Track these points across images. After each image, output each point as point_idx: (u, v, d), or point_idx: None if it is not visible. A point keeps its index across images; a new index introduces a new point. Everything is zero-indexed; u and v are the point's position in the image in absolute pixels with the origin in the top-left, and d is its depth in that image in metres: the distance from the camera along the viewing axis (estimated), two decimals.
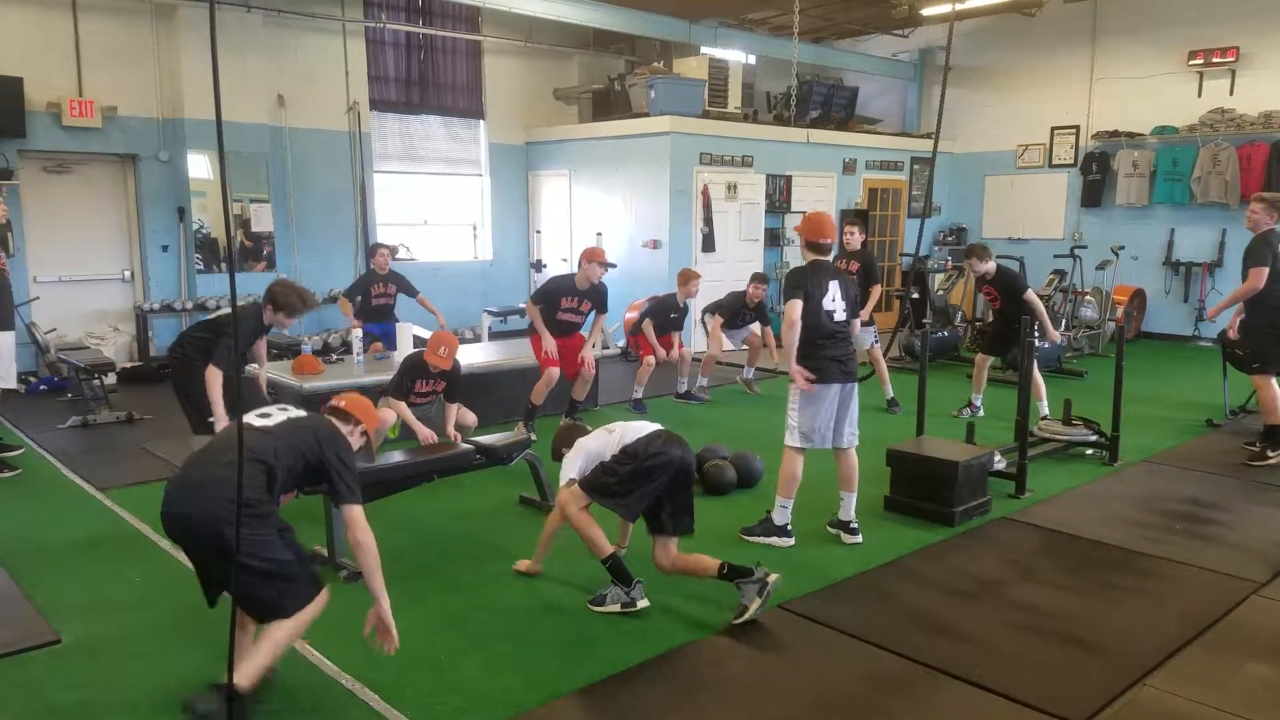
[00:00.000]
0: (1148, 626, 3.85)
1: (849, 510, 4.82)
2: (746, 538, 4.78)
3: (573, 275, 6.97)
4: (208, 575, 3.06)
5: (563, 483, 4.05)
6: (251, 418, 3.12)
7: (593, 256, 6.83)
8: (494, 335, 10.80)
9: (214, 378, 4.88)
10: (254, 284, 9.84)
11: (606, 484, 3.93)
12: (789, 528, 4.75)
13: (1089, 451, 6.50)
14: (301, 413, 3.29)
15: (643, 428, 4.09)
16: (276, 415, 3.19)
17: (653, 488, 3.90)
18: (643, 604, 3.88)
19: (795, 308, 4.56)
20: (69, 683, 3.32)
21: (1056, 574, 4.40)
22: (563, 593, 4.18)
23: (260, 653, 2.96)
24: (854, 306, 4.74)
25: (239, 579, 2.79)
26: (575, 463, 4.04)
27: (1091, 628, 3.83)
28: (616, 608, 3.89)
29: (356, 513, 3.06)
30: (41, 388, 8.54)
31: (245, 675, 2.85)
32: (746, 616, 3.74)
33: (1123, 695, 3.30)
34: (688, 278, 8.28)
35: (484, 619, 3.78)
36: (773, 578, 3.79)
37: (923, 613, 3.97)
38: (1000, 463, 5.60)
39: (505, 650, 3.61)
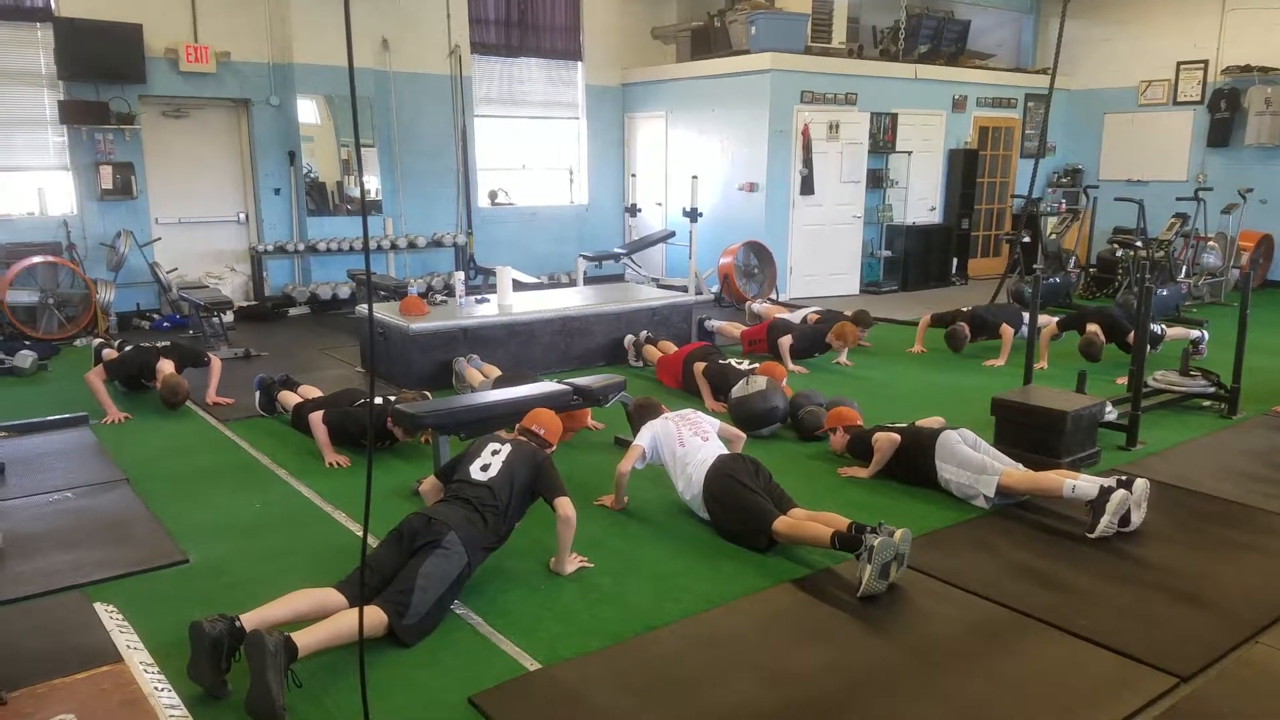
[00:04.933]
0: (1262, 583, 3.71)
1: (1083, 488, 4.22)
2: (1095, 534, 4.14)
3: None
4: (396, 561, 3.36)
5: (635, 440, 4.50)
6: (476, 471, 3.74)
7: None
8: (589, 280, 10.88)
9: None
10: (359, 228, 10.16)
11: (723, 519, 4.14)
12: (1109, 484, 4.18)
13: (1206, 404, 6.22)
14: (506, 450, 3.83)
15: (704, 461, 4.25)
16: (494, 462, 3.76)
17: (752, 499, 4.06)
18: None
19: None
20: (197, 599, 3.54)
21: (1166, 528, 4.26)
22: (656, 530, 4.27)
23: (324, 631, 2.98)
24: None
25: (438, 561, 3.29)
26: (645, 435, 4.49)
27: (1202, 583, 3.71)
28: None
29: (566, 501, 3.73)
30: (164, 325, 9.04)
31: (307, 643, 2.90)
32: (860, 590, 3.51)
33: (1233, 652, 3.21)
34: (843, 332, 7.35)
35: (580, 551, 3.88)
36: (878, 540, 3.49)
37: (1024, 563, 3.91)
38: (1112, 414, 5.42)
39: (602, 582, 3.72)
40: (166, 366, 6.16)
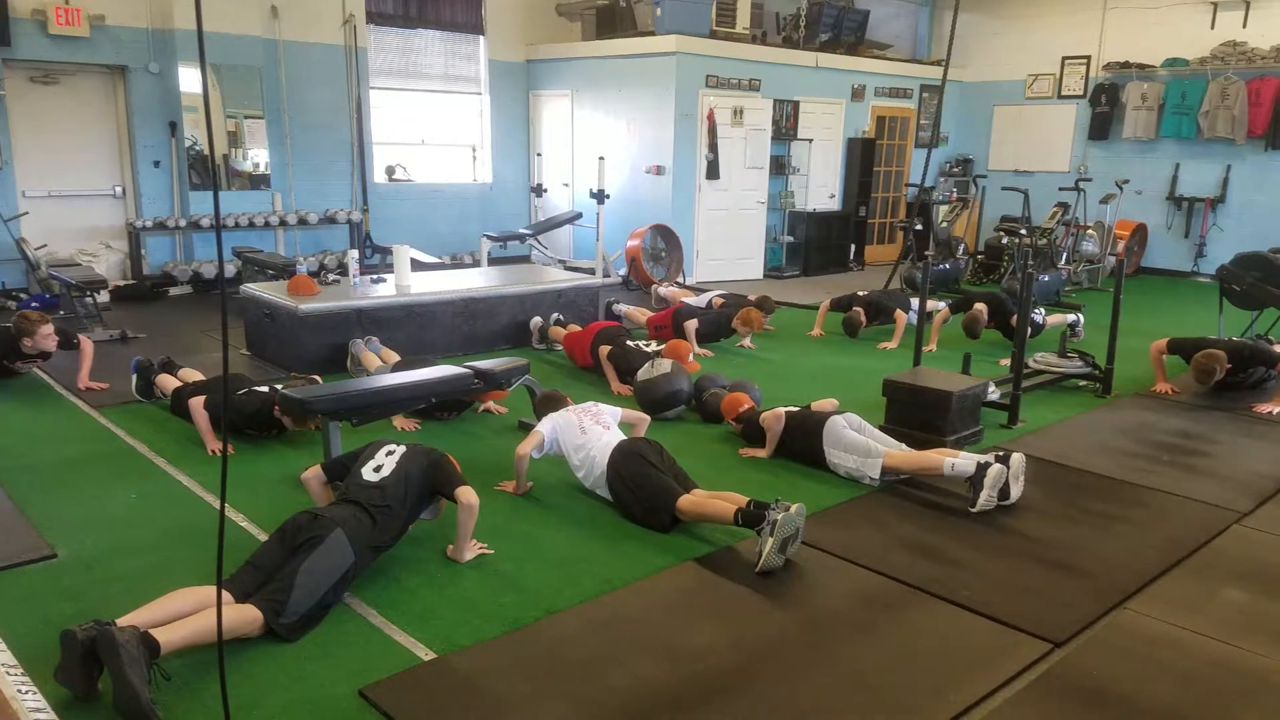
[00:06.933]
0: (1130, 553, 3.92)
1: (962, 465, 4.37)
2: (977, 509, 4.27)
3: None
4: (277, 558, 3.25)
5: (537, 426, 4.47)
6: (369, 472, 3.62)
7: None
8: (493, 261, 10.73)
9: None
10: (246, 203, 9.77)
11: (628, 499, 4.13)
12: (986, 460, 4.33)
13: (1082, 384, 6.53)
14: (401, 451, 3.74)
15: (607, 445, 4.26)
16: (386, 463, 3.66)
17: (658, 478, 4.08)
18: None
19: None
20: (66, 596, 3.35)
21: (1043, 502, 4.46)
22: (559, 514, 4.24)
23: (188, 628, 2.87)
24: None
25: (320, 559, 3.18)
26: (546, 424, 4.46)
27: (1075, 554, 3.90)
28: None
29: (467, 489, 3.67)
30: (33, 305, 8.48)
31: (169, 640, 2.78)
32: (760, 565, 3.59)
33: (1103, 618, 3.38)
34: (747, 318, 7.42)
35: (481, 538, 3.82)
36: (780, 516, 3.60)
37: (911, 538, 4.04)
38: (995, 394, 5.63)
39: (503, 569, 3.67)
40: None
